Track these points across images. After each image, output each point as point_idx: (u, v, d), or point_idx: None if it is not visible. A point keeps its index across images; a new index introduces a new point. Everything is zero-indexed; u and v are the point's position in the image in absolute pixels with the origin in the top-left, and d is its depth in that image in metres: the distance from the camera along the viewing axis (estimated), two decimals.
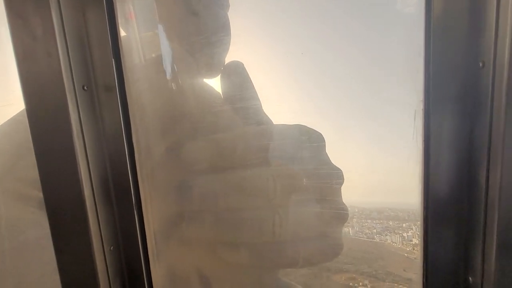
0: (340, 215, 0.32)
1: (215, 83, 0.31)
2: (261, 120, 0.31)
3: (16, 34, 0.26)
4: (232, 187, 0.30)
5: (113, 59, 0.29)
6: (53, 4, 0.26)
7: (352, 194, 0.33)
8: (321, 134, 0.31)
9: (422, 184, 0.30)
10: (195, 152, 0.30)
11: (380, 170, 0.34)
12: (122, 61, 0.29)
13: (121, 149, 0.31)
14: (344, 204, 0.32)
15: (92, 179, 0.30)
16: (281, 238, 0.30)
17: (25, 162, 0.30)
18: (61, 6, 0.27)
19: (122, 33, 0.29)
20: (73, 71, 0.28)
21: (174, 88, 0.30)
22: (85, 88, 0.29)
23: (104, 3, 0.28)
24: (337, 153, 0.32)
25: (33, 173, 0.28)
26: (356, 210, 0.39)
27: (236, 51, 0.31)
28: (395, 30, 0.30)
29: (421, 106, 0.29)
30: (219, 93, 0.31)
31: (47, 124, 0.27)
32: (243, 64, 0.31)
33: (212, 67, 0.31)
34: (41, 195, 0.29)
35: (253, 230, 0.30)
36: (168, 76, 0.30)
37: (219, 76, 0.31)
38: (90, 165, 0.30)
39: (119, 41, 0.29)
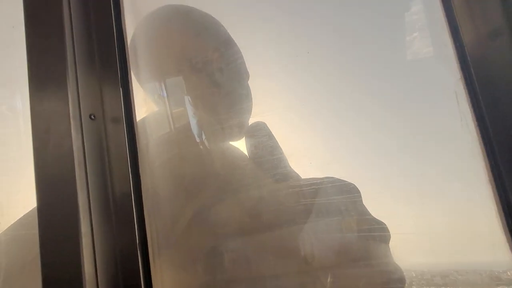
0: (394, 279, 0.27)
1: (240, 144, 0.32)
2: (288, 176, 0.31)
3: (32, 60, 0.28)
4: (264, 250, 0.28)
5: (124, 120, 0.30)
6: (68, 38, 0.28)
7: (406, 254, 0.28)
8: (355, 186, 0.29)
9: None
10: (223, 213, 0.29)
11: (442, 223, 0.30)
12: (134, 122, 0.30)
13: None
14: (397, 265, 0.28)
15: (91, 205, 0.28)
16: None
17: None
18: (74, 40, 0.29)
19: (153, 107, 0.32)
20: (80, 100, 0.29)
21: (200, 152, 0.32)
22: (93, 117, 0.30)
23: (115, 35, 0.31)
24: (382, 205, 0.29)
25: None
26: (414, 275, 0.33)
27: (259, 112, 0.33)
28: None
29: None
30: (244, 153, 0.32)
31: (50, 149, 0.27)
32: (265, 124, 0.32)
33: (236, 130, 0.33)
34: None
35: None
36: (195, 141, 0.32)
37: (243, 137, 0.32)
38: (90, 192, 0.27)
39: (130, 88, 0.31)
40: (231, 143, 0.34)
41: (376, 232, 0.27)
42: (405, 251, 0.29)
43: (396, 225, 0.28)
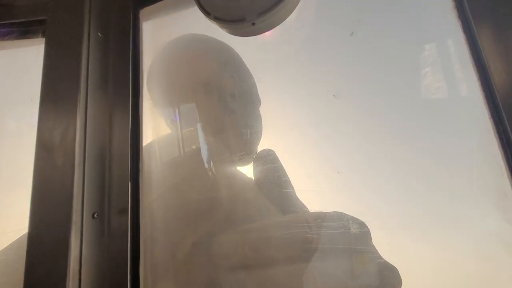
0: None
1: (247, 169, 0.32)
2: (295, 207, 0.30)
3: (39, 163, 0.28)
4: (266, 287, 0.27)
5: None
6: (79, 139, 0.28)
7: None
8: (363, 222, 0.28)
9: None
10: (226, 245, 0.28)
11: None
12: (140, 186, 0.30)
13: None
14: None
15: None
16: None
17: None
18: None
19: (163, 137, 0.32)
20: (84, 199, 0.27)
21: (209, 177, 0.31)
22: (95, 216, 0.28)
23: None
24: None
25: None
26: None
27: (269, 139, 0.33)
28: None
29: None
30: (251, 179, 0.31)
31: (43, 257, 0.26)
32: (274, 152, 0.31)
33: (244, 156, 0.33)
34: None
35: None
36: (203, 167, 0.31)
37: (251, 163, 0.32)
38: None
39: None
40: (238, 168, 0.33)
41: (386, 278, 0.25)
42: None
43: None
